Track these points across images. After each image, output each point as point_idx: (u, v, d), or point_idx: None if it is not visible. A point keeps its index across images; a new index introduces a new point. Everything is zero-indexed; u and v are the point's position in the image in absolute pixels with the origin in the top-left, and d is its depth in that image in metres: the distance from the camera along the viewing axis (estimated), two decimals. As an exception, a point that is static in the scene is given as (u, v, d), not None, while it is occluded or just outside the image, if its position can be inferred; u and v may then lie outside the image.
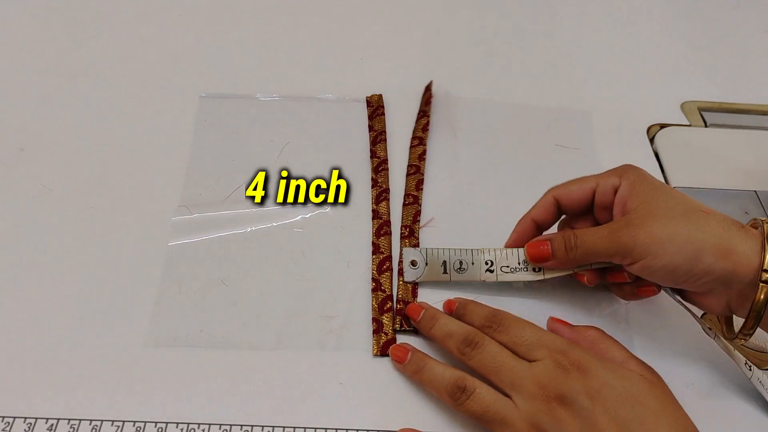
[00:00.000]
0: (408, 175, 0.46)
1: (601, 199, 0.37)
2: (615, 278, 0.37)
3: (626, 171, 0.36)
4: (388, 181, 0.46)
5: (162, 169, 0.46)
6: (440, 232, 0.44)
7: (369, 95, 0.52)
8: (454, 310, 0.38)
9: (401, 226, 0.43)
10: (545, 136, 0.51)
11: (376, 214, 0.44)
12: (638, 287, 0.37)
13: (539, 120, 0.52)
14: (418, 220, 0.44)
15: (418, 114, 0.50)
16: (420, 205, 0.44)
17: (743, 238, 0.32)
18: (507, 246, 0.40)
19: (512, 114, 0.52)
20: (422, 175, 0.46)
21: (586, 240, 0.35)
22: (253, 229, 0.43)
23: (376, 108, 0.51)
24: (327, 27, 0.59)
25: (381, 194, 0.45)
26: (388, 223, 0.43)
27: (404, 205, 0.44)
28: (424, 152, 0.47)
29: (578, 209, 0.38)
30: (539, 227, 0.39)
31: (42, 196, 0.44)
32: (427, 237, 0.43)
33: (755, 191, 0.47)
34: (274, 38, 0.57)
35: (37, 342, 0.37)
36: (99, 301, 0.39)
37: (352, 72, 0.55)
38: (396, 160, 0.48)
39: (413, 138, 0.49)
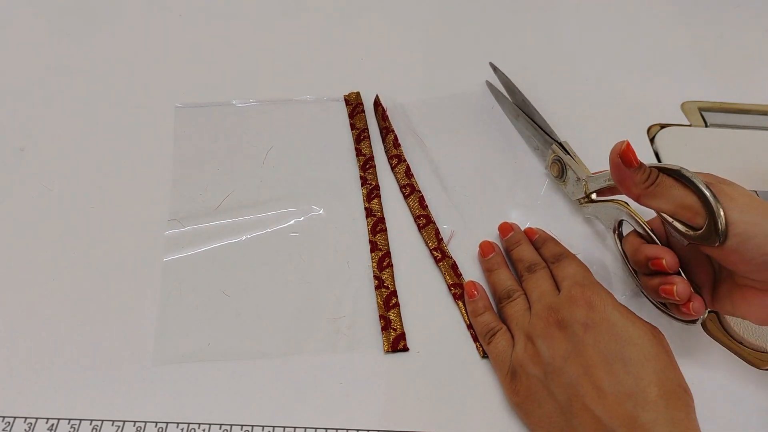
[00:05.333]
0: (406, 197, 0.45)
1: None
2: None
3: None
4: (376, 178, 0.46)
5: (148, 183, 0.45)
6: (466, 241, 0.43)
7: (346, 93, 0.52)
8: (534, 238, 0.42)
9: (431, 250, 0.42)
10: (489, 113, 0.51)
11: (369, 212, 0.44)
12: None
13: (476, 100, 0.53)
14: (442, 238, 0.43)
15: (381, 132, 0.50)
16: (435, 223, 0.44)
17: None
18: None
19: (450, 103, 0.52)
20: (420, 192, 0.45)
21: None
22: (248, 236, 0.42)
23: (355, 106, 0.51)
24: (296, 29, 0.59)
25: (372, 191, 0.45)
26: (382, 219, 0.43)
27: (420, 228, 0.43)
28: (408, 168, 0.47)
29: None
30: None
31: (42, 196, 0.44)
32: (457, 251, 0.42)
33: (755, 191, 0.47)
34: (244, 44, 0.57)
35: (37, 342, 0.37)
36: (99, 300, 0.39)
37: (326, 72, 0.55)
38: (382, 157, 0.48)
39: (390, 158, 0.48)
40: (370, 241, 0.42)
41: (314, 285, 0.40)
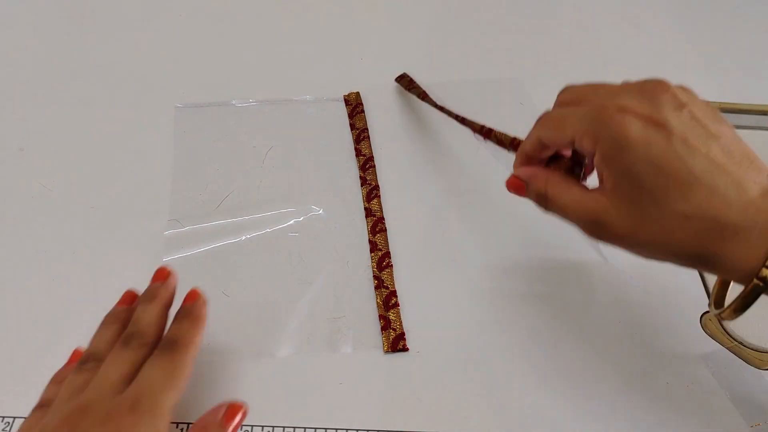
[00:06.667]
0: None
1: (582, 152, 0.31)
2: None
3: (602, 131, 0.28)
4: (376, 178, 0.46)
5: (147, 183, 0.45)
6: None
7: (346, 93, 0.52)
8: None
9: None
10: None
11: (369, 212, 0.44)
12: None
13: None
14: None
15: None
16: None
17: (736, 250, 0.26)
18: (514, 166, 0.36)
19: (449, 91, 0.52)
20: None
21: (560, 203, 0.31)
22: (248, 236, 0.43)
23: (355, 106, 0.51)
24: (296, 28, 0.58)
25: (371, 191, 0.45)
26: (382, 219, 0.43)
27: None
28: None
29: (570, 149, 0.33)
30: (542, 159, 0.34)
31: (41, 196, 0.44)
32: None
33: (755, 191, 0.47)
34: (244, 44, 0.56)
35: (37, 342, 0.37)
36: (99, 300, 0.39)
37: (327, 71, 0.54)
38: (382, 157, 0.48)
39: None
40: (370, 241, 0.42)
41: (314, 285, 0.40)
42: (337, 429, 0.34)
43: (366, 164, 0.47)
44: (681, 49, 0.60)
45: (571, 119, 0.30)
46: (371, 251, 0.42)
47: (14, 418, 0.34)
